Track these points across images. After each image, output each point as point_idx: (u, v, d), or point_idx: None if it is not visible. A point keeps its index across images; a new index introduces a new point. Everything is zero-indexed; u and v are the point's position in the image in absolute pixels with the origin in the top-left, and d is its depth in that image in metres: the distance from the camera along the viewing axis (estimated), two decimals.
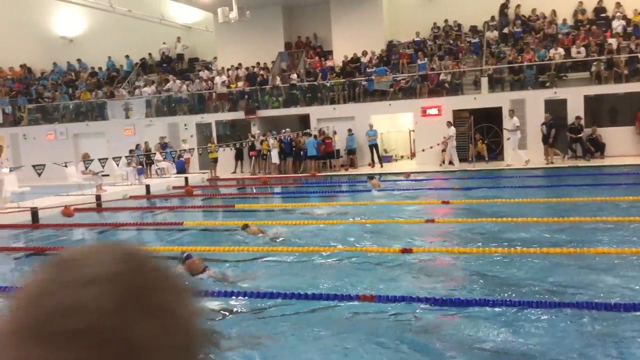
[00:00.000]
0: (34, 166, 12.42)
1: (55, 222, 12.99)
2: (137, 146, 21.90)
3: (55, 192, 15.69)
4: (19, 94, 29.97)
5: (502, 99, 21.03)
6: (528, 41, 22.99)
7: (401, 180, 17.46)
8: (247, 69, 26.00)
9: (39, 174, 12.47)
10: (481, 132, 21.02)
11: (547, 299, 5.84)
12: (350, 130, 22.06)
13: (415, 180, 17.84)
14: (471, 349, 4.96)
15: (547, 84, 21.14)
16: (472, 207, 12.08)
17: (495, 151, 21.23)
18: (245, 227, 10.12)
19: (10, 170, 13.66)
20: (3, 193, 13.93)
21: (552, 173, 17.84)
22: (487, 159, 20.69)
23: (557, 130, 19.43)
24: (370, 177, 13.92)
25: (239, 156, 23.39)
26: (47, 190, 15.91)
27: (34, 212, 13.44)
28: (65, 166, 15.43)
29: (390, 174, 19.75)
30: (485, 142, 20.85)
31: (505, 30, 24.09)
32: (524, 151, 19.66)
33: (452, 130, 20.31)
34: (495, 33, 24.08)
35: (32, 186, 16.16)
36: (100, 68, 30.81)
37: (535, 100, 20.59)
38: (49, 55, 31.94)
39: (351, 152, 22.22)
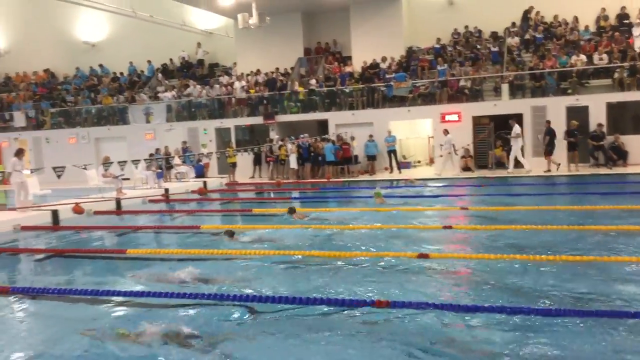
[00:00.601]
0: (54, 168, 12.59)
1: (75, 224, 13.15)
2: (157, 150, 22.11)
3: (76, 194, 15.87)
4: (43, 98, 30.44)
5: (523, 106, 20.84)
6: (550, 47, 22.76)
7: (418, 187, 17.38)
8: (266, 74, 26.13)
9: (59, 176, 12.65)
10: (501, 138, 20.83)
11: (566, 307, 5.74)
12: (371, 136, 22.02)
13: (434, 186, 17.79)
14: (486, 357, 4.88)
15: (569, 91, 20.90)
16: (491, 214, 11.95)
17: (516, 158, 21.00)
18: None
19: (31, 172, 13.84)
20: (23, 195, 14.10)
21: (573, 181, 17.63)
22: (507, 165, 20.49)
23: (553, 138, 19.35)
24: (378, 194, 13.91)
25: (257, 161, 23.48)
26: (68, 193, 16.13)
27: (55, 214, 13.61)
28: (85, 169, 15.62)
29: (407, 179, 19.69)
30: (506, 148, 20.65)
31: (527, 36, 23.87)
32: (525, 160, 19.65)
33: (449, 137, 20.31)
34: (517, 39, 23.87)
35: (53, 189, 16.41)
36: (121, 73, 31.20)
37: (556, 107, 20.36)
38: (72, 60, 32.44)
39: (371, 158, 22.15)
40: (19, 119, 28.68)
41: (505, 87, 21.44)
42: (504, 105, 21.07)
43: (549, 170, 19.20)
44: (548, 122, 19.59)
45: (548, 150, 19.41)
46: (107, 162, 15.52)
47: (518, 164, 19.75)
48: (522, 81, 21.85)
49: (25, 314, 6.76)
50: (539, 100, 20.90)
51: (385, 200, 13.76)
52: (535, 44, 23.42)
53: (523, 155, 19.72)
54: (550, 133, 19.35)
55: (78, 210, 13.17)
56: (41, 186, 16.07)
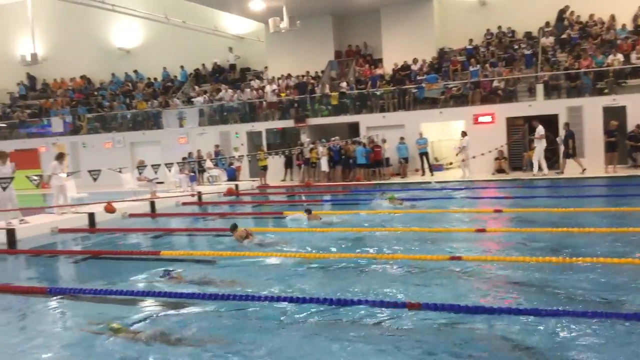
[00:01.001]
0: (89, 171, 12.86)
1: (111, 227, 13.42)
2: (190, 154, 22.42)
3: (111, 198, 16.17)
4: (79, 104, 31.20)
5: (558, 106, 20.47)
6: (585, 47, 22.30)
7: (450, 189, 17.24)
8: (297, 77, 26.25)
9: (95, 179, 12.91)
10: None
11: (602, 310, 5.60)
12: (402, 138, 21.90)
13: (467, 188, 17.62)
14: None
15: (606, 91, 20.44)
16: (525, 216, 11.77)
17: (552, 159, 20.62)
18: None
19: (68, 176, 14.16)
20: (62, 199, 14.44)
21: (611, 182, 17.24)
22: (541, 167, 20.10)
23: (574, 141, 19.08)
24: (392, 197, 13.89)
25: (288, 164, 23.58)
26: (104, 196, 16.43)
27: (91, 216, 13.91)
28: (120, 172, 15.93)
29: (441, 182, 19.56)
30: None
31: (564, 36, 23.41)
32: (545, 164, 19.39)
33: (466, 140, 20.17)
34: (551, 39, 23.45)
35: (90, 192, 16.77)
36: (155, 78, 31.74)
37: (593, 108, 19.95)
38: (107, 67, 33.17)
39: (403, 160, 22.02)
40: (57, 124, 29.41)
41: (540, 88, 21.09)
42: (539, 106, 20.73)
43: (584, 170, 18.77)
44: (567, 124, 19.30)
45: (570, 153, 19.09)
46: (141, 166, 15.79)
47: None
48: (557, 81, 21.46)
49: (62, 314, 6.91)
50: (574, 101, 20.50)
51: (403, 202, 13.75)
52: (571, 44, 22.97)
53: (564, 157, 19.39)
54: (571, 136, 19.04)
55: (110, 209, 13.40)
56: (78, 190, 16.43)
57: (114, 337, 5.58)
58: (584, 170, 18.73)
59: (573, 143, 19.05)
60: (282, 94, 25.62)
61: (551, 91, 21.33)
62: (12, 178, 12.08)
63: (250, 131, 25.45)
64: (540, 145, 19.23)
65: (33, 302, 7.40)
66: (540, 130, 19.18)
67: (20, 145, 28.99)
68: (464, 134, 20.50)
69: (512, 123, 21.22)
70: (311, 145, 22.60)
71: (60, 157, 14.66)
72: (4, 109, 33.67)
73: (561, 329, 5.32)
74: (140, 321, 6.24)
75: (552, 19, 24.28)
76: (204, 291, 7.05)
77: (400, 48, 25.19)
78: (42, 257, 10.71)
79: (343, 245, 9.63)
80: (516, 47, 23.84)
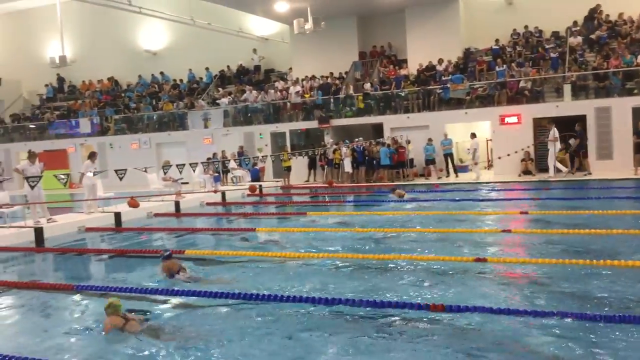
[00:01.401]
0: (116, 171, 13.04)
1: (136, 226, 13.58)
2: (214, 155, 22.59)
3: (137, 198, 16.37)
4: (107, 105, 31.64)
5: (586, 107, 20.11)
6: (614, 47, 21.88)
7: (476, 190, 17.08)
8: (320, 77, 26.25)
9: (121, 178, 13.09)
10: (563, 141, 20.16)
11: (631, 313, 5.48)
12: (430, 140, 21.67)
13: (493, 190, 17.47)
14: None
15: (635, 91, 20.02)
16: (552, 218, 11.58)
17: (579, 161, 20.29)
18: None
19: (94, 175, 14.36)
20: (92, 197, 14.67)
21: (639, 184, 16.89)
22: (569, 169, 19.80)
23: (582, 142, 19.21)
24: (393, 189, 14.07)
25: (312, 165, 23.59)
26: (130, 196, 16.64)
27: (118, 216, 14.10)
28: (145, 171, 16.13)
29: (465, 183, 19.40)
30: (568, 151, 19.97)
31: (592, 36, 22.99)
32: (562, 165, 19.35)
33: (476, 142, 20.32)
34: (579, 38, 23.05)
35: (116, 192, 17.00)
36: (181, 80, 32.05)
37: (622, 108, 19.56)
38: (134, 68, 33.61)
39: (431, 161, 21.82)
40: (85, 125, 29.89)
41: (567, 88, 20.74)
42: (566, 106, 20.39)
43: (588, 173, 19.01)
44: (579, 124, 19.18)
45: (580, 152, 19.18)
46: (166, 165, 15.96)
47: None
48: (585, 82, 21.09)
49: (88, 311, 7.00)
50: (603, 101, 20.12)
51: (405, 194, 14.55)
52: (599, 43, 22.55)
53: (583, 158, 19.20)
54: (582, 136, 19.13)
55: (133, 204, 13.47)
56: (105, 190, 16.66)
57: (135, 335, 5.64)
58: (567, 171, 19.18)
59: (581, 142, 19.17)
60: (306, 95, 25.65)
61: (579, 92, 20.97)
62: (40, 177, 12.31)
63: (274, 132, 25.54)
64: (553, 148, 19.12)
65: (60, 298, 7.51)
66: (555, 132, 19.00)
67: (49, 146, 29.53)
68: (473, 135, 20.43)
69: (539, 124, 20.92)
70: (335, 147, 22.57)
71: (92, 156, 14.94)
72: (33, 110, 34.33)
73: (588, 332, 5.22)
74: (162, 318, 6.30)
75: (580, 18, 23.86)
76: (222, 290, 7.07)
77: (425, 48, 25.02)
78: (69, 255, 10.88)
79: (366, 246, 9.60)
80: (547, 46, 23.42)
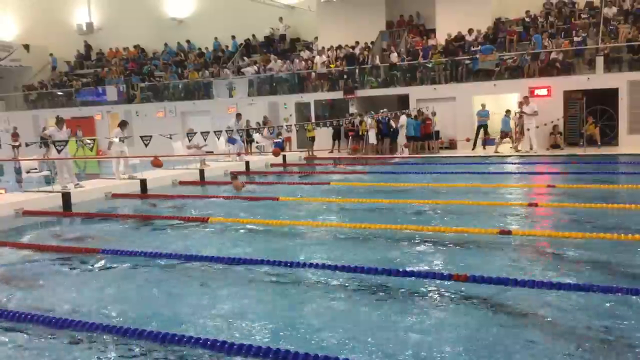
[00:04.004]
0: (142, 137, 13.12)
1: (161, 193, 13.71)
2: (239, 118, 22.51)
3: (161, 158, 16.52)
4: (133, 73, 31.77)
5: (618, 80, 19.54)
6: None
7: (505, 163, 16.86)
8: (346, 46, 25.92)
9: (146, 145, 13.17)
10: (594, 114, 19.70)
11: None
12: (507, 111, 20.73)
13: (521, 163, 17.20)
14: (570, 336, 4.65)
15: None
16: (579, 192, 11.37)
17: (610, 135, 19.84)
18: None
19: (120, 140, 14.49)
20: (122, 165, 14.85)
21: None
22: (599, 143, 19.38)
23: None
24: (234, 177, 13.46)
25: (336, 136, 23.46)
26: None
27: (143, 182, 14.25)
28: (171, 138, 16.22)
29: (497, 156, 19.19)
30: (599, 125, 19.51)
31: (626, 7, 22.21)
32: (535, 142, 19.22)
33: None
34: (614, 9, 22.29)
35: (142, 160, 17.15)
36: (207, 48, 31.97)
37: None
38: (160, 36, 33.58)
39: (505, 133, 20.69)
40: (112, 93, 30.10)
41: (600, 60, 20.14)
42: (598, 79, 19.83)
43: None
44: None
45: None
46: (191, 132, 16.03)
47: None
48: (618, 54, 20.45)
49: (112, 273, 7.11)
50: (637, 74, 19.51)
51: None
52: (635, 14, 21.79)
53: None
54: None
55: (157, 163, 13.49)
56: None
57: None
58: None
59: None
60: (332, 65, 25.38)
61: (611, 64, 20.36)
62: (67, 141, 12.47)
63: (299, 102, 25.40)
64: (533, 122, 19.01)
65: (86, 260, 7.65)
66: (533, 107, 18.85)
67: (76, 113, 29.85)
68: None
69: (569, 97, 20.42)
70: (359, 117, 22.38)
71: (123, 124, 15.05)
72: (61, 77, 34.67)
73: (613, 306, 5.13)
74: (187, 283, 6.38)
75: None
76: (244, 256, 7.11)
77: (454, 18, 24.46)
78: (95, 220, 11.04)
79: (390, 217, 9.55)
80: (583, 16, 22.64)
